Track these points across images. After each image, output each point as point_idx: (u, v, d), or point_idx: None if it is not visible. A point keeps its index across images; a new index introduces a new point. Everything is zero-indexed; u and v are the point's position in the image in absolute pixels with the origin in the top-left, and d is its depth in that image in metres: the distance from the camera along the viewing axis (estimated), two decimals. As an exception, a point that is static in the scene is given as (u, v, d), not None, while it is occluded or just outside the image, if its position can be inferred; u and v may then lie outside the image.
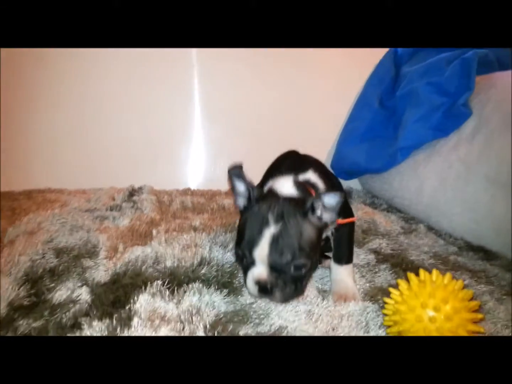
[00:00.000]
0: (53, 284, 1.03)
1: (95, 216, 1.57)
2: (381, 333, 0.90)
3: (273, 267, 0.91)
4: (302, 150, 2.02)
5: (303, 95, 2.23)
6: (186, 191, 2.05)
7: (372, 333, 0.90)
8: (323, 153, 2.24)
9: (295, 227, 0.92)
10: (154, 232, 1.42)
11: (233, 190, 1.03)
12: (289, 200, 0.96)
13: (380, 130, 1.94)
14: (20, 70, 2.02)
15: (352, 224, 1.13)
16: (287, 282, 0.92)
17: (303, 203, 0.94)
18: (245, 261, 0.95)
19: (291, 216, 0.92)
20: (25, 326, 0.86)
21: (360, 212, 1.73)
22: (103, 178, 2.03)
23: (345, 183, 2.21)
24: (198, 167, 2.21)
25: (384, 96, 2.02)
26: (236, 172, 1.00)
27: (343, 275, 1.09)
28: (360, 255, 1.32)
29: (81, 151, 2.09)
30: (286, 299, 0.95)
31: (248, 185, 1.00)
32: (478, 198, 1.38)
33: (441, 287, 0.83)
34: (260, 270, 0.92)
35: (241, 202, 1.02)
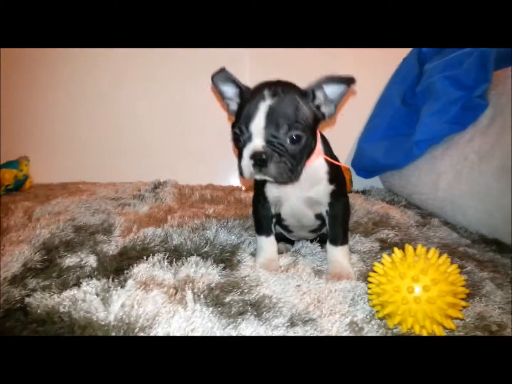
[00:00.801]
0: (66, 253, 1.13)
1: (119, 203, 1.68)
2: (366, 307, 0.91)
3: (269, 140, 0.91)
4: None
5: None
6: (208, 186, 2.14)
7: (357, 307, 0.91)
8: (345, 152, 2.24)
9: (292, 101, 0.93)
10: (169, 217, 1.51)
11: (222, 97, 1.06)
12: (287, 82, 0.99)
13: (402, 127, 1.93)
14: (49, 70, 2.21)
15: (346, 204, 1.14)
16: (283, 156, 0.92)
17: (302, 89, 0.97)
18: (242, 140, 0.95)
19: (288, 92, 0.94)
20: (34, 284, 0.96)
21: (376, 207, 1.72)
22: (133, 173, 2.17)
23: (366, 182, 2.20)
24: (221, 165, 2.29)
25: (408, 94, 2.00)
26: (221, 76, 1.02)
27: (338, 256, 1.10)
28: (364, 243, 1.32)
29: (113, 148, 2.25)
30: (280, 174, 0.93)
31: (238, 82, 1.01)
32: (490, 189, 1.33)
33: (422, 259, 0.83)
34: (256, 143, 0.92)
35: (233, 105, 1.04)
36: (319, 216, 1.15)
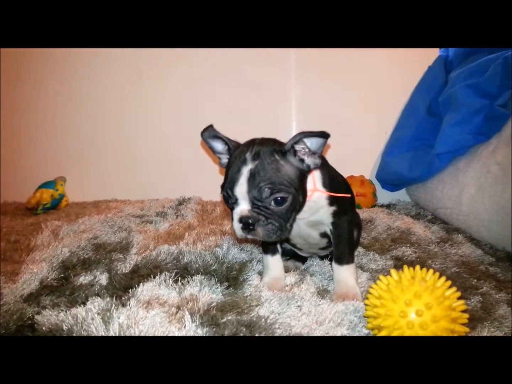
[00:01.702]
0: (82, 271, 1.19)
1: (142, 220, 1.75)
2: (364, 330, 0.88)
3: (254, 203, 0.93)
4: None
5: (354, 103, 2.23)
6: (231, 202, 2.17)
7: (355, 330, 0.89)
8: (370, 164, 2.20)
9: (272, 163, 0.94)
10: (186, 234, 1.55)
11: (213, 151, 1.09)
12: (268, 140, 1.00)
13: (427, 138, 1.86)
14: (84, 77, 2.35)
15: (350, 222, 1.12)
16: (269, 218, 0.93)
17: (282, 144, 0.97)
18: (230, 202, 0.98)
19: (268, 154, 0.94)
20: (48, 301, 1.02)
21: (399, 222, 1.67)
22: (161, 190, 2.26)
23: (392, 195, 2.14)
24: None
25: (433, 104, 1.93)
26: (209, 133, 1.05)
27: (344, 276, 1.08)
28: (378, 261, 1.29)
29: (143, 165, 2.34)
30: (268, 235, 0.95)
31: (225, 139, 1.04)
32: (515, 203, 1.26)
33: (417, 282, 0.80)
34: (242, 207, 0.95)
35: (224, 159, 1.07)
36: (324, 235, 1.13)
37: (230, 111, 2.21)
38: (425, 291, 0.78)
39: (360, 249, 1.39)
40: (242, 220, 0.95)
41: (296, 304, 1.00)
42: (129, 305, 0.96)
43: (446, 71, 1.97)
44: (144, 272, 1.18)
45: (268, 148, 0.96)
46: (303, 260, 1.32)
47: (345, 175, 2.04)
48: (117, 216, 1.76)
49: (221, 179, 2.34)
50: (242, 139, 1.06)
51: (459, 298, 0.85)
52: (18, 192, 2.30)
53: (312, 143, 0.98)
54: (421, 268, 1.20)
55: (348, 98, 2.20)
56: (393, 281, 0.83)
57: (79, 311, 0.93)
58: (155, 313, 0.92)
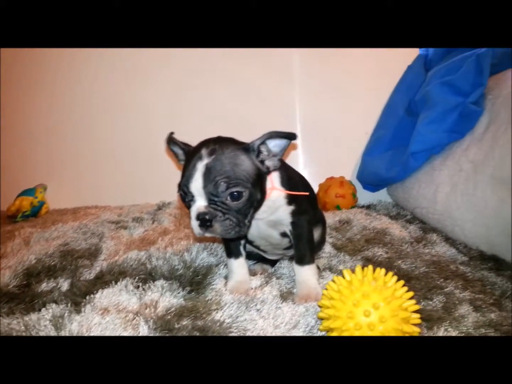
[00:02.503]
0: (45, 278, 1.18)
1: (118, 226, 1.74)
2: (318, 333, 0.87)
3: (211, 199, 0.91)
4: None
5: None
6: (211, 206, 2.15)
7: (312, 332, 0.87)
8: (351, 165, 2.18)
9: (230, 158, 0.92)
10: (159, 240, 1.53)
11: (176, 158, 1.09)
12: (225, 138, 0.99)
13: (407, 138, 1.83)
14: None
15: (309, 222, 1.11)
16: (226, 214, 0.92)
17: (243, 143, 0.97)
18: (187, 201, 0.96)
19: (226, 149, 0.93)
20: (6, 308, 1.01)
21: (376, 223, 1.66)
22: (143, 195, 2.25)
23: (374, 196, 2.12)
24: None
25: (413, 103, 1.92)
26: (170, 139, 1.06)
27: (305, 276, 1.07)
28: (347, 262, 1.27)
29: (122, 172, 2.33)
30: (226, 231, 0.93)
31: (181, 144, 1.04)
32: (486, 201, 1.24)
33: (366, 282, 0.78)
34: (198, 204, 0.93)
35: (183, 162, 1.05)
36: (284, 235, 1.12)
37: (221, 115, 2.20)
38: (373, 291, 0.76)
39: (331, 250, 1.37)
40: (199, 216, 0.93)
41: (256, 307, 0.98)
42: (84, 311, 0.94)
43: (426, 70, 1.96)
44: (108, 278, 1.16)
45: (227, 144, 0.95)
46: (272, 263, 1.30)
47: (325, 176, 2.07)
48: (92, 223, 1.75)
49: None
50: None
51: (419, 298, 0.84)
52: (2, 200, 2.29)
53: (275, 145, 0.97)
54: (389, 269, 1.19)
55: (328, 99, 2.18)
56: (344, 281, 0.81)
57: (32, 318, 0.91)
58: (109, 320, 0.91)
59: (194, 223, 0.95)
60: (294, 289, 1.11)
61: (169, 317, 0.93)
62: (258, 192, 0.97)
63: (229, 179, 0.90)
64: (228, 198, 0.92)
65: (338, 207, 1.95)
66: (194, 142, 1.04)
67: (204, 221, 0.92)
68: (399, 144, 1.86)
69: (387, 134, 1.93)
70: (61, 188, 2.34)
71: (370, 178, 1.99)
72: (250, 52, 2.13)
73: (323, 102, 2.18)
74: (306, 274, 1.06)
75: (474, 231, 1.32)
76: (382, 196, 2.10)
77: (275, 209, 1.05)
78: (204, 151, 0.93)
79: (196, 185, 0.92)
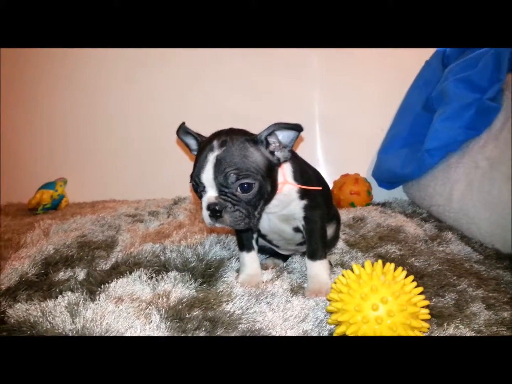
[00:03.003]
0: (62, 268, 1.21)
1: (134, 219, 1.78)
2: (329, 327, 0.87)
3: (221, 190, 0.93)
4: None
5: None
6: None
7: (321, 326, 0.88)
8: (366, 162, 2.17)
9: (240, 149, 0.94)
10: (174, 233, 1.55)
11: (188, 149, 1.10)
12: (237, 130, 1.00)
13: (423, 134, 1.81)
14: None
15: (322, 217, 1.11)
16: (236, 205, 0.93)
17: (253, 135, 0.98)
18: (199, 191, 0.98)
19: (236, 141, 0.95)
20: (24, 295, 1.04)
21: (390, 220, 1.64)
22: (158, 190, 2.28)
23: (390, 193, 2.10)
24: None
25: (430, 99, 1.89)
26: (181, 131, 1.07)
27: (317, 271, 1.07)
28: (359, 259, 1.26)
29: (140, 167, 2.37)
30: (235, 222, 0.94)
31: (195, 134, 1.05)
32: (502, 199, 1.22)
33: (374, 277, 0.78)
34: (209, 194, 0.95)
35: (194, 149, 1.08)
36: (297, 230, 1.13)
37: (231, 113, 2.21)
38: (382, 285, 0.76)
39: (344, 247, 1.37)
40: (210, 207, 0.94)
41: (266, 300, 0.99)
42: (99, 300, 0.97)
43: (443, 66, 1.93)
44: (123, 269, 1.19)
45: (237, 136, 0.97)
46: (284, 258, 1.30)
47: (340, 173, 2.06)
48: (109, 216, 1.78)
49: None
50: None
51: (430, 295, 0.84)
52: (22, 193, 2.35)
53: (284, 136, 0.98)
54: (401, 266, 1.19)
55: (344, 96, 2.17)
56: (353, 275, 0.81)
57: (49, 304, 0.95)
58: (123, 308, 0.93)
59: (205, 213, 0.96)
60: (305, 283, 1.11)
61: (180, 307, 0.94)
62: (269, 184, 0.98)
63: (239, 171, 0.92)
64: (238, 189, 0.93)
65: (352, 204, 1.94)
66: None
67: (214, 211, 0.94)
68: (415, 141, 1.84)
69: (403, 131, 1.91)
70: (81, 182, 2.39)
71: (386, 175, 1.98)
72: (268, 52, 2.13)
73: (339, 99, 2.17)
74: (318, 269, 1.07)
75: (490, 230, 1.30)
76: (397, 193, 2.08)
77: (287, 203, 1.06)
78: (215, 143, 0.95)
79: (207, 176, 0.93)
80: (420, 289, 0.79)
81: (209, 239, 1.42)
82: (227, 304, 0.97)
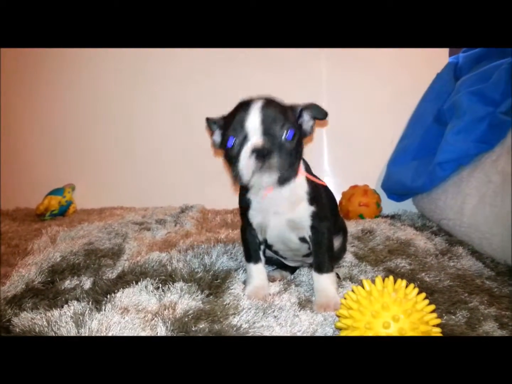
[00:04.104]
0: (69, 276, 1.21)
1: (141, 227, 1.77)
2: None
3: (267, 135, 0.92)
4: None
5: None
6: (233, 210, 2.16)
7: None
8: (376, 174, 2.15)
9: (280, 106, 0.98)
10: (181, 242, 1.55)
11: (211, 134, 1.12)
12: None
13: (434, 147, 1.79)
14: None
15: (329, 229, 1.10)
16: (282, 150, 0.93)
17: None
18: (235, 146, 0.95)
19: (275, 101, 0.99)
20: (30, 303, 1.04)
21: (400, 233, 1.62)
22: (165, 198, 2.27)
23: (399, 205, 2.08)
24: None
25: (442, 112, 1.87)
26: (211, 119, 1.10)
27: (324, 285, 1.06)
28: (368, 273, 1.24)
29: (148, 174, 2.37)
30: (283, 166, 0.92)
31: (219, 120, 1.07)
32: (515, 215, 1.20)
33: (386, 293, 0.76)
34: (255, 139, 0.92)
35: (217, 137, 1.09)
36: (303, 240, 1.11)
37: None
38: (393, 303, 0.74)
39: (353, 260, 1.35)
40: (256, 150, 0.90)
41: (273, 314, 0.97)
42: (104, 310, 0.96)
43: (455, 78, 1.91)
44: (129, 278, 1.18)
45: (272, 100, 1.00)
46: (291, 270, 1.29)
47: (349, 184, 2.04)
48: (117, 223, 1.78)
49: (223, 187, 2.31)
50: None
51: (441, 312, 0.82)
52: (30, 198, 2.36)
53: (312, 115, 1.05)
54: (411, 281, 1.17)
55: (354, 107, 2.16)
56: (363, 292, 0.79)
57: (54, 314, 0.94)
58: (129, 319, 0.92)
59: (247, 161, 0.91)
60: (313, 297, 1.09)
61: (186, 319, 0.93)
62: (299, 147, 1.01)
63: (284, 120, 0.95)
64: (283, 136, 0.94)
65: (361, 216, 1.92)
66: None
67: (261, 153, 0.90)
68: (426, 154, 1.82)
69: (414, 143, 1.89)
70: (89, 188, 2.40)
71: (395, 187, 1.96)
72: (275, 58, 2.13)
73: (348, 110, 2.16)
74: (325, 282, 1.05)
75: (502, 245, 1.27)
76: (407, 206, 2.05)
77: (295, 201, 1.05)
78: (255, 99, 0.97)
79: (253, 121, 0.93)
80: (432, 307, 0.77)
81: (216, 249, 1.41)
82: (234, 317, 0.95)
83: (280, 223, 1.08)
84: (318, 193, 1.08)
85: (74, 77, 2.41)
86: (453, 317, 0.95)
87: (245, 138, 0.94)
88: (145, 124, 2.37)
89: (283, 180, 0.95)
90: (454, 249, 1.43)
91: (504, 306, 1.01)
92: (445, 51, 2.11)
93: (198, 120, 2.28)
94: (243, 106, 0.97)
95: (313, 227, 1.07)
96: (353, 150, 2.14)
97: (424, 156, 1.83)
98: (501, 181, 1.27)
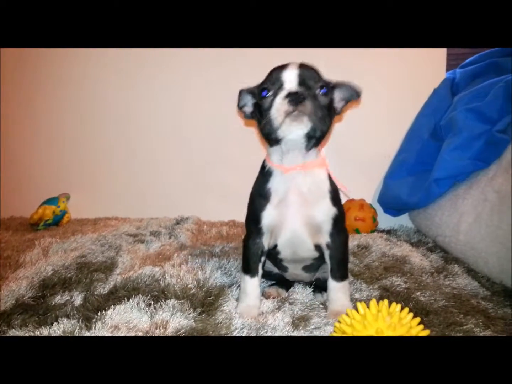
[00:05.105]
0: (60, 291, 1.19)
1: (135, 239, 1.75)
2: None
3: (302, 84, 0.95)
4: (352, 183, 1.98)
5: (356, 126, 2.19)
6: (229, 223, 2.15)
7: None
8: (372, 188, 2.15)
9: (315, 69, 1.01)
10: (175, 255, 1.53)
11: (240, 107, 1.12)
12: None
13: (430, 163, 1.79)
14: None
15: (346, 237, 1.11)
16: (316, 101, 0.95)
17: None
18: (269, 97, 0.98)
19: (310, 65, 1.01)
20: (19, 320, 1.02)
21: (396, 249, 1.61)
22: (161, 209, 2.26)
23: (395, 220, 2.07)
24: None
25: (438, 127, 1.88)
26: (239, 97, 1.10)
27: (339, 293, 1.08)
28: (363, 291, 1.23)
29: (144, 185, 2.36)
30: (316, 112, 0.93)
31: (252, 89, 1.07)
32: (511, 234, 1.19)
33: (380, 318, 0.75)
34: (290, 86, 0.95)
35: (249, 108, 1.11)
36: (317, 248, 1.10)
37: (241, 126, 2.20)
38: (388, 328, 0.73)
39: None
40: (290, 94, 0.93)
41: (266, 334, 0.96)
42: (94, 328, 0.94)
43: (452, 94, 1.92)
44: (121, 294, 1.16)
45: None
46: (287, 286, 1.27)
47: (345, 198, 2.03)
48: (111, 235, 1.77)
49: (220, 200, 2.28)
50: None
51: (436, 335, 0.80)
52: (25, 207, 2.34)
53: (346, 94, 1.07)
54: (407, 300, 1.16)
55: (350, 120, 2.16)
56: (357, 315, 0.78)
57: (43, 332, 0.92)
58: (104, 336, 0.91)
59: (280, 105, 0.93)
60: (307, 314, 1.07)
61: (178, 339, 0.92)
62: (332, 113, 1.04)
63: (320, 77, 0.99)
64: (319, 90, 0.97)
65: (357, 231, 1.91)
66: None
67: (296, 97, 0.92)
68: (423, 169, 1.82)
69: (411, 158, 1.89)
70: (84, 198, 2.39)
71: (391, 202, 1.95)
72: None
73: (346, 124, 2.15)
74: (341, 291, 1.08)
75: (498, 265, 1.26)
76: (403, 221, 2.05)
77: (318, 195, 1.05)
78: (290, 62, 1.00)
79: (290, 71, 0.97)
80: (427, 332, 0.76)
81: (210, 264, 1.40)
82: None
83: (298, 222, 1.06)
84: (338, 196, 1.09)
85: (71, 88, 2.40)
86: (448, 340, 0.94)
87: (280, 88, 0.97)
88: (142, 134, 2.36)
89: (313, 134, 0.97)
90: (449, 267, 1.42)
91: (499, 329, 1.00)
92: (442, 66, 2.12)
93: (195, 131, 2.31)
94: (280, 66, 1.01)
95: (332, 234, 1.06)
96: (349, 164, 2.14)
97: (420, 172, 1.83)
98: (498, 200, 1.27)
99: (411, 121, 2.04)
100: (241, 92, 1.11)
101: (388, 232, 1.98)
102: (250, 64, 2.05)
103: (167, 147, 2.33)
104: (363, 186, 2.13)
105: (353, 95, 1.07)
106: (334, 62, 1.94)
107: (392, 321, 0.75)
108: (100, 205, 2.38)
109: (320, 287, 1.22)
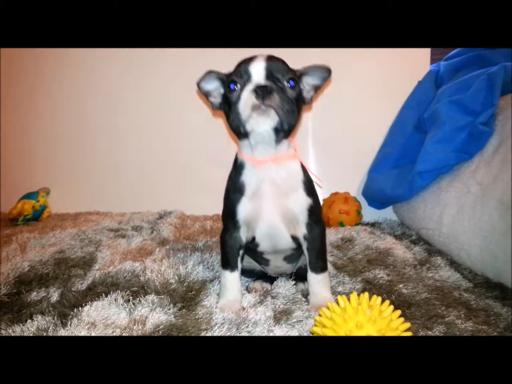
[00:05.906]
0: (36, 287, 1.15)
1: (116, 234, 1.72)
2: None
3: (270, 78, 0.94)
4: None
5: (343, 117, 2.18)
6: (213, 217, 2.12)
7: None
8: (356, 181, 2.14)
9: (283, 61, 1.00)
10: (156, 250, 1.50)
11: (207, 97, 1.09)
12: None
13: (414, 156, 1.79)
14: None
15: (323, 228, 1.10)
16: (284, 94, 0.94)
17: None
18: (237, 89, 0.96)
19: (277, 57, 1.00)
20: (-7, 317, 0.98)
21: (379, 242, 1.60)
22: (143, 203, 2.22)
23: (379, 213, 2.08)
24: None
25: (422, 120, 1.88)
26: (205, 76, 1.06)
27: (320, 286, 1.07)
28: (346, 284, 1.22)
29: (125, 179, 2.31)
30: (283, 105, 0.92)
31: (222, 75, 1.04)
32: (493, 226, 1.19)
33: (360, 311, 0.74)
34: (258, 78, 0.94)
35: (217, 98, 1.07)
36: (295, 239, 1.09)
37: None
38: (368, 321, 0.72)
39: (331, 270, 1.33)
40: (257, 88, 0.91)
41: (247, 329, 0.94)
42: (70, 325, 0.92)
43: (436, 86, 1.92)
44: (99, 290, 1.13)
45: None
46: (271, 281, 1.26)
47: (330, 191, 2.03)
48: (91, 230, 1.73)
49: (204, 193, 2.25)
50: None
51: (417, 328, 0.80)
52: (4, 202, 2.28)
53: (315, 77, 1.05)
54: (389, 293, 1.16)
55: (335, 113, 2.15)
56: (338, 309, 0.77)
57: (16, 329, 0.89)
58: (95, 336, 0.88)
59: (247, 100, 0.92)
60: (289, 308, 1.06)
61: (156, 335, 0.89)
62: (300, 105, 1.03)
63: (288, 69, 0.97)
64: (285, 83, 0.96)
65: (341, 224, 1.90)
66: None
67: (264, 90, 0.90)
68: (406, 162, 1.82)
69: (394, 151, 1.89)
70: (64, 192, 2.33)
71: (376, 195, 1.95)
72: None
73: (330, 117, 2.15)
74: (321, 283, 1.07)
75: (480, 257, 1.27)
76: (387, 214, 2.05)
77: (292, 185, 1.04)
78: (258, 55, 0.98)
79: (258, 64, 0.95)
80: (408, 325, 0.75)
81: (192, 258, 1.38)
82: (206, 332, 0.92)
83: (274, 212, 1.04)
84: (313, 186, 1.08)
85: (49, 82, 2.34)
86: (430, 332, 0.93)
87: (247, 80, 0.95)
88: (124, 128, 2.32)
89: (281, 128, 0.95)
90: (432, 259, 1.42)
91: (481, 320, 1.00)
92: (426, 59, 2.11)
93: (177, 123, 2.27)
94: (247, 58, 0.99)
95: (309, 225, 1.05)
96: (334, 157, 2.13)
97: (404, 165, 1.83)
98: (481, 192, 1.27)
99: (396, 114, 2.04)
100: (209, 73, 1.06)
101: (373, 225, 1.98)
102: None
103: (150, 141, 2.29)
104: (348, 179, 2.12)
105: (324, 77, 1.06)
106: (319, 58, 1.93)
107: (372, 314, 0.74)
108: (81, 200, 2.34)
109: (301, 275, 1.21)
